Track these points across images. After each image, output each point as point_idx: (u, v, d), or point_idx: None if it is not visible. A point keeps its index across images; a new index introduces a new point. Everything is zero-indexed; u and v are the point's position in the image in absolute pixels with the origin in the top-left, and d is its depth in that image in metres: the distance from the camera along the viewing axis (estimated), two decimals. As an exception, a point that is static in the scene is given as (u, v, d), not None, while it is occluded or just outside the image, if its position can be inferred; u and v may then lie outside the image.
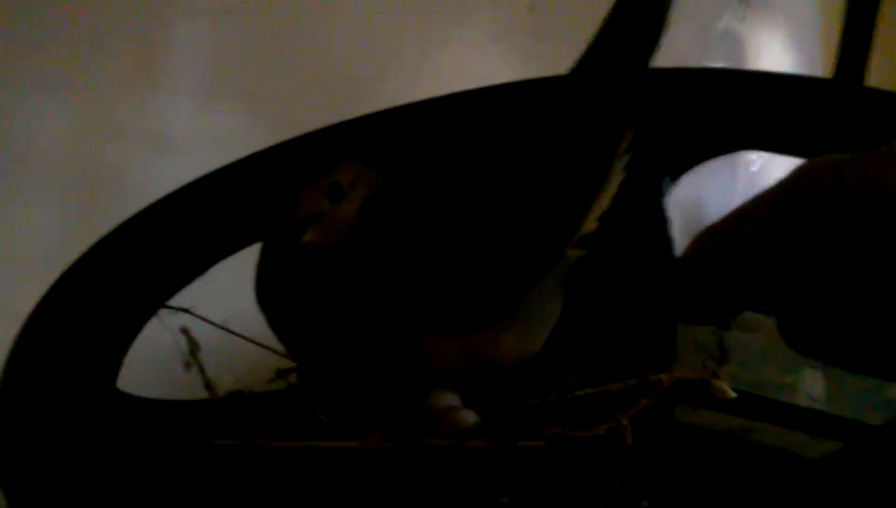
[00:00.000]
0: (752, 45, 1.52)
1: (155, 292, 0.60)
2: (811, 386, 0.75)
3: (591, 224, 0.57)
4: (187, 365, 0.50)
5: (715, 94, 0.65)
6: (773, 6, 1.57)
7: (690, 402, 0.56)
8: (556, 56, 0.82)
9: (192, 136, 0.96)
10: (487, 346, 0.51)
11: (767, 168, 1.50)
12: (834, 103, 0.59)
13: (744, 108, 0.64)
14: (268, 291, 0.51)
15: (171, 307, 0.58)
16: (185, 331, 0.51)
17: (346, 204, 0.48)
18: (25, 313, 0.59)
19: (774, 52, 1.55)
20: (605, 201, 0.57)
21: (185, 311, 0.56)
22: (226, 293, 0.72)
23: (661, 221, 0.63)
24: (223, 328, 0.59)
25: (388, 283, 0.49)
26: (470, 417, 0.51)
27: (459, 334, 0.50)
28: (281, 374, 0.58)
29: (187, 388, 0.56)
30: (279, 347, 0.57)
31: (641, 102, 0.62)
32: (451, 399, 0.51)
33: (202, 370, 0.50)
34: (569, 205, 0.55)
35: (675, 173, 0.65)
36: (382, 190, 0.49)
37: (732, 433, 0.60)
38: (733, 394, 0.54)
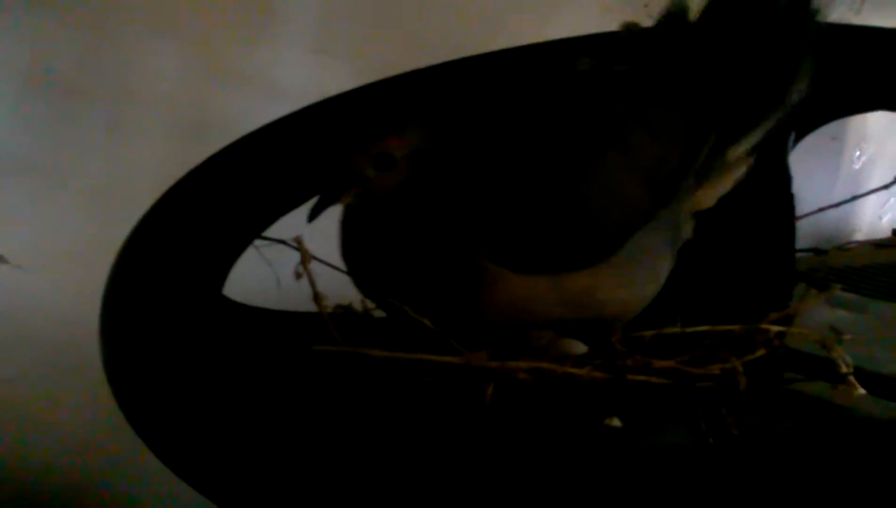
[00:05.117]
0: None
1: (259, 213, 0.59)
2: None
3: (708, 201, 0.56)
4: (298, 276, 0.49)
5: (848, 50, 0.63)
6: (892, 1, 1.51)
7: (804, 374, 0.54)
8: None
9: (300, 85, 0.96)
10: (580, 289, 0.50)
11: (870, 164, 1.45)
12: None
13: (877, 66, 0.61)
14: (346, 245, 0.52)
15: (267, 239, 0.58)
16: (299, 242, 0.50)
17: (394, 174, 0.49)
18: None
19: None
20: (728, 185, 0.55)
21: (281, 242, 0.56)
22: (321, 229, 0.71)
23: (784, 176, 0.61)
24: (319, 260, 0.59)
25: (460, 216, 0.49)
26: (579, 347, 0.50)
27: (539, 272, 0.49)
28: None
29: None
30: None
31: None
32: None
33: (312, 282, 0.49)
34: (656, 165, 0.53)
35: (802, 131, 0.63)
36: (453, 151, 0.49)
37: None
38: (852, 365, 0.52)
